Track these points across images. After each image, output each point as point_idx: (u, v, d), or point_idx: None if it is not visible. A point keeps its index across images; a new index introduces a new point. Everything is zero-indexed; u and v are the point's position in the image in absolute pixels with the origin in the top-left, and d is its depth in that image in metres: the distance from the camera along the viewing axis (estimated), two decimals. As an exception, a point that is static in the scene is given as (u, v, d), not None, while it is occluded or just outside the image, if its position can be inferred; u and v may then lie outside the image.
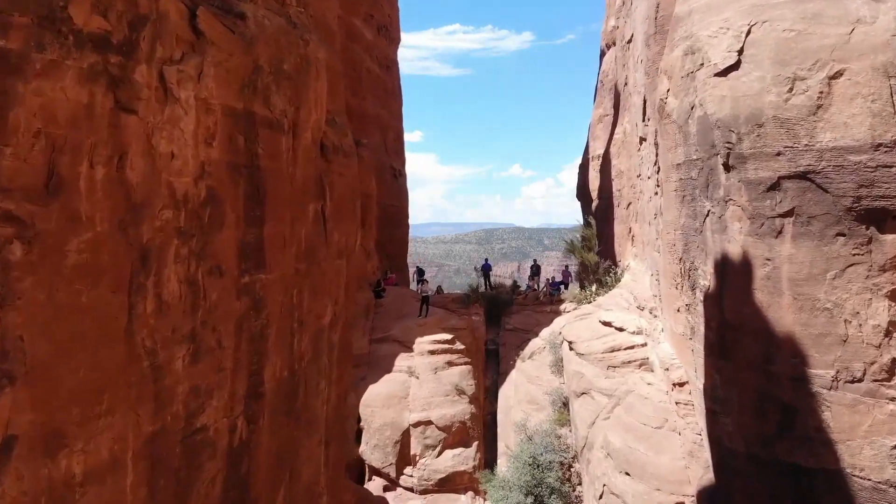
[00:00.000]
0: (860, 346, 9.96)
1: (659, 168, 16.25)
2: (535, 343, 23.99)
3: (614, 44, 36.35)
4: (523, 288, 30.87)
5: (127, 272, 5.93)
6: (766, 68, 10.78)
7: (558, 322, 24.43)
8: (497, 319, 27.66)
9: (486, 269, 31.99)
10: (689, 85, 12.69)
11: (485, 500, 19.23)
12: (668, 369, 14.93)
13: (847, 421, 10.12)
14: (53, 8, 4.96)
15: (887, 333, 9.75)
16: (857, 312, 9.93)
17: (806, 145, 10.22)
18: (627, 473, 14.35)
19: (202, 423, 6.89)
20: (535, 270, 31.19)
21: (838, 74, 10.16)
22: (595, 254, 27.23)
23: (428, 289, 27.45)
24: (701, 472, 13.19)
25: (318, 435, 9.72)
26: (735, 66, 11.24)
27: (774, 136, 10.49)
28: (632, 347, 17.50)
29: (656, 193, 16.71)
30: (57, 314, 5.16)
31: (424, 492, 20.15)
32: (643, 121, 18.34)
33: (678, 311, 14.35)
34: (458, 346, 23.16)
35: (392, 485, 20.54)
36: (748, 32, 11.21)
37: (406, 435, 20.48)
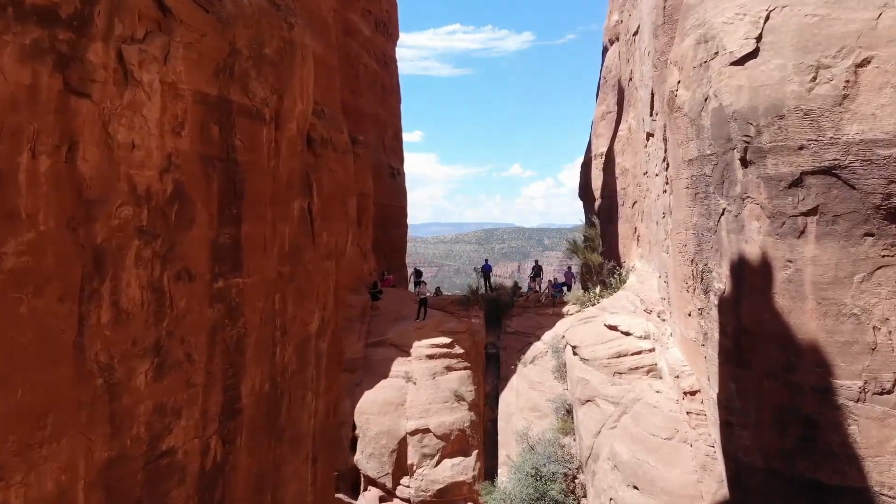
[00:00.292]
0: (890, 355, 9.30)
1: (668, 165, 15.59)
2: (536, 347, 23.32)
3: (618, 39, 35.72)
4: (524, 289, 30.17)
5: (77, 277, 5.25)
6: (788, 56, 10.11)
7: (561, 325, 23.76)
8: (497, 322, 27.00)
9: (486, 271, 31.30)
10: (702, 75, 12.02)
11: (485, 512, 18.59)
12: (678, 377, 14.26)
13: (875, 436, 9.45)
14: (-13, -26, 4.29)
15: (921, 341, 9.09)
16: (887, 318, 9.26)
17: (831, 138, 9.55)
18: (636, 487, 13.68)
19: (169, 445, 6.21)
20: (537, 271, 30.49)
21: (865, 62, 9.49)
22: (599, 254, 26.53)
23: (426, 291, 26.76)
24: (714, 486, 12.52)
25: (305, 451, 9.04)
26: (753, 55, 10.57)
27: (797, 129, 9.83)
28: (639, 353, 16.84)
29: (665, 191, 16.04)
30: (-11, 327, 4.47)
31: (422, 503, 19.47)
32: (651, 115, 17.67)
33: (689, 315, 13.68)
34: (458, 350, 22.49)
35: (388, 495, 19.88)
36: (767, 18, 10.53)
37: (403, 443, 19.82)
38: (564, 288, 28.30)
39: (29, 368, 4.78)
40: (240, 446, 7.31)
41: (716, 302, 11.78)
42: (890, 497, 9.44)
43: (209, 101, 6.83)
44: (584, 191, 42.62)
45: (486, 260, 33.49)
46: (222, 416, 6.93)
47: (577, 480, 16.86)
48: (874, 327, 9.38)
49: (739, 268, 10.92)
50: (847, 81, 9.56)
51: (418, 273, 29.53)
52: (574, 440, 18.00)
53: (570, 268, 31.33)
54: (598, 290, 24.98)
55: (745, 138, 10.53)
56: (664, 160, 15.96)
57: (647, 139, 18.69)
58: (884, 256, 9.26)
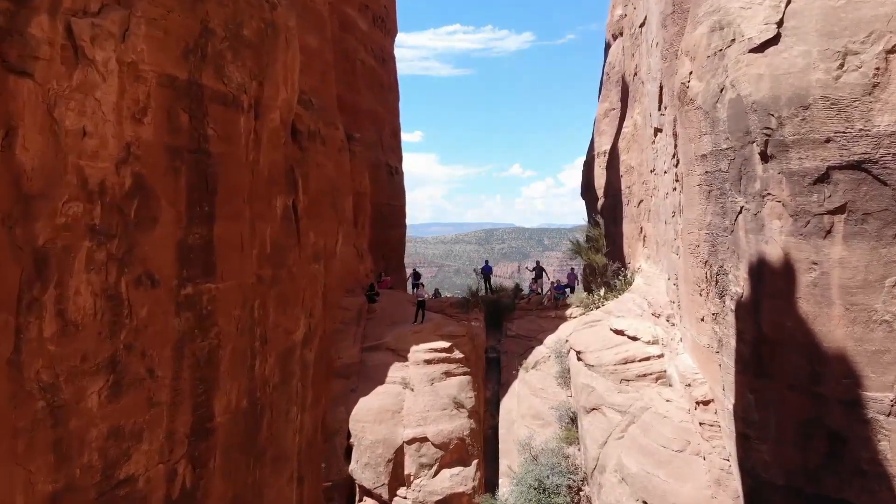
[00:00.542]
0: (925, 366, 8.63)
1: (678, 161, 14.91)
2: (539, 351, 22.65)
3: (621, 34, 35.09)
4: (526, 291, 29.48)
5: (14, 284, 4.58)
6: (812, 42, 9.44)
7: (564, 329, 23.11)
8: (498, 325, 26.34)
9: (486, 272, 30.60)
10: (717, 65, 11.35)
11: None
12: (689, 385, 13.59)
13: (909, 452, 8.78)
14: None
15: (960, 351, 8.43)
16: (923, 326, 8.59)
17: (860, 130, 8.88)
18: (645, 502, 13.00)
19: (128, 473, 5.53)
20: (539, 273, 29.79)
21: (897, 48, 8.83)
22: (603, 255, 25.86)
23: (424, 293, 26.06)
24: (730, 503, 11.86)
25: (289, 471, 8.36)
26: (774, 41, 9.91)
27: (823, 120, 9.16)
28: (647, 359, 16.17)
29: (675, 189, 15.37)
30: None
31: (420, 514, 18.81)
32: (659, 110, 17.01)
33: (702, 320, 13.01)
34: (457, 354, 21.81)
35: (384, 506, 19.20)
36: (788, 2, 9.87)
37: (399, 453, 19.15)
38: (567, 290, 27.61)
39: (-50, 391, 4.13)
40: (213, 470, 6.64)
41: (732, 307, 11.11)
42: (925, 519, 8.79)
43: (177, 85, 6.16)
44: (587, 190, 41.96)
45: (487, 261, 32.79)
46: (192, 437, 6.26)
47: (581, 493, 16.19)
48: (908, 335, 8.71)
49: (759, 270, 10.25)
50: (877, 69, 8.89)
51: (416, 275, 28.85)
52: (579, 450, 17.33)
53: (573, 269, 30.67)
54: (602, 292, 24.32)
55: (765, 131, 9.87)
56: (674, 156, 15.29)
57: (655, 135, 18.03)
58: (919, 258, 8.60)
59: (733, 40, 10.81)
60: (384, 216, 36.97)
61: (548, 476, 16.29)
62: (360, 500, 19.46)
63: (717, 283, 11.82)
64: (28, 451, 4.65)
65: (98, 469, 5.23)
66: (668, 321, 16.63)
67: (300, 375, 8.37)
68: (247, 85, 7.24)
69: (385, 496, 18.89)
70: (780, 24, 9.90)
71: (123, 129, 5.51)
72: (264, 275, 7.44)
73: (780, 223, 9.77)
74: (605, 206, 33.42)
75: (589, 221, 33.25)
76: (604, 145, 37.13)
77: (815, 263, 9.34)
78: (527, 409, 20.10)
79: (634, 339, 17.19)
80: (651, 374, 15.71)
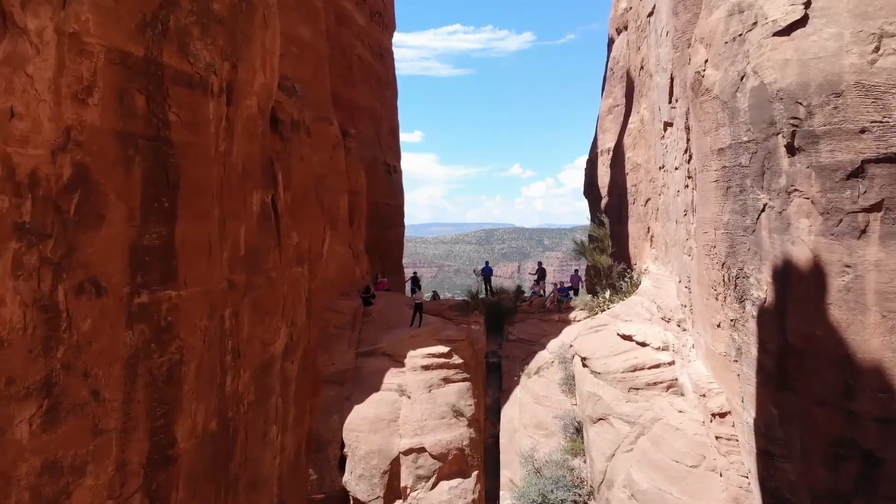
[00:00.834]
0: (973, 380, 7.89)
1: (690, 156, 14.17)
2: (542, 356, 21.89)
3: (625, 28, 34.37)
4: (528, 294, 28.71)
5: (-85, 294, 3.86)
6: (844, 23, 8.70)
7: (568, 333, 22.35)
8: (499, 329, 25.57)
9: (486, 273, 29.81)
10: (736, 51, 10.61)
11: (486, 539, 17.18)
12: (704, 395, 12.83)
13: (953, 476, 8.04)
14: None
15: None
16: (970, 336, 7.85)
17: (900, 119, 8.13)
18: (657, 522, 12.26)
19: (68, 513, 4.80)
20: (541, 274, 29.02)
21: (940, 29, 8.08)
22: (608, 256, 25.10)
23: (421, 295, 25.25)
24: (750, 524, 11.12)
25: (268, 498, 7.59)
26: (801, 23, 9.16)
27: (857, 109, 8.41)
28: (657, 366, 15.41)
29: (687, 186, 14.62)
30: None
31: (416, 529, 18.06)
32: (669, 103, 16.26)
33: (718, 326, 12.26)
34: (456, 359, 21.04)
35: (380, 520, 18.44)
36: (817, -20, 9.12)
37: (395, 464, 18.39)
38: (571, 292, 26.85)
39: None
40: (176, 503, 5.89)
41: (754, 313, 10.36)
42: (970, 549, 8.04)
43: (131, 62, 5.40)
44: (590, 189, 41.20)
45: (487, 262, 32.00)
46: (149, 467, 5.50)
47: (588, 508, 15.44)
48: (953, 346, 7.97)
49: (784, 274, 9.50)
50: (918, 52, 8.15)
51: (415, 280, 27.95)
52: (584, 462, 16.58)
53: (576, 270, 29.92)
54: (607, 294, 23.57)
55: (792, 121, 9.11)
56: (686, 151, 14.55)
57: (665, 129, 17.28)
58: (965, 261, 7.86)
59: (755, 24, 10.07)
60: (381, 216, 36.21)
61: (552, 490, 15.54)
62: (355, 513, 18.70)
63: (735, 287, 11.07)
64: (-66, 495, 3.91)
65: (29, 511, 4.49)
66: (678, 326, 15.88)
67: (280, 391, 7.61)
68: (217, 66, 6.48)
69: (380, 510, 18.12)
70: (807, 4, 9.16)
71: (62, 111, 4.76)
72: (237, 280, 6.69)
73: (808, 222, 9.02)
74: (609, 206, 32.66)
75: (592, 221, 32.48)
76: (608, 142, 36.40)
77: (848, 266, 8.58)
78: (529, 417, 19.35)
79: (643, 344, 16.44)
80: (661, 382, 14.96)
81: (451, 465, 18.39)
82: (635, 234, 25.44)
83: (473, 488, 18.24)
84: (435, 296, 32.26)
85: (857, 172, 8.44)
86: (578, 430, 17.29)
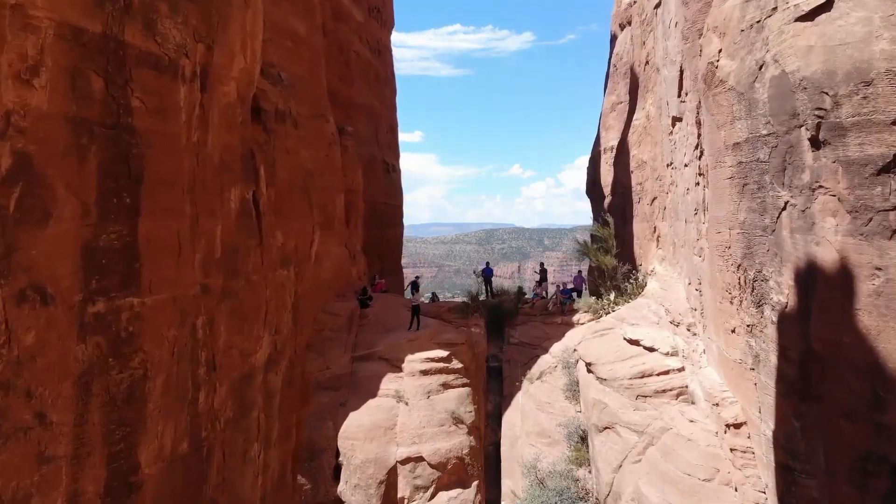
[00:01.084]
0: None
1: (702, 152, 13.59)
2: (544, 361, 21.32)
3: (629, 23, 33.86)
4: (530, 295, 28.11)
5: None
6: (873, 6, 8.11)
7: (571, 336, 21.78)
8: (500, 331, 25.02)
9: (486, 274, 29.20)
10: (753, 38, 10.03)
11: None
12: (717, 405, 12.25)
13: None
14: None
15: None
16: None
17: (937, 109, 7.55)
18: (668, 538, 11.67)
19: (7, 554, 4.21)
20: (543, 275, 28.41)
21: (980, 11, 7.51)
22: (613, 256, 24.51)
23: (419, 297, 24.62)
24: (768, 543, 10.53)
25: (249, 522, 7.03)
26: (826, 6, 8.58)
27: (889, 98, 7.82)
28: (666, 372, 14.83)
29: (697, 184, 14.04)
30: None
31: (414, 541, 17.48)
32: (679, 96, 15.68)
33: (732, 331, 11.68)
34: (455, 364, 20.46)
35: (376, 531, 17.84)
36: (842, -39, 8.54)
37: (392, 473, 17.82)
38: (574, 294, 26.26)
39: None
40: (140, 535, 5.30)
41: (773, 318, 9.77)
42: None
43: (86, 39, 4.81)
44: (592, 188, 40.62)
45: (487, 263, 31.39)
46: (107, 497, 4.91)
47: (593, 521, 14.85)
48: None
49: (808, 276, 8.91)
50: (956, 37, 7.57)
51: (415, 284, 27.31)
52: (590, 472, 16.00)
53: (580, 271, 29.34)
54: (612, 296, 22.98)
55: (817, 112, 8.53)
56: (697, 147, 13.97)
57: (673, 125, 16.70)
58: None
59: (774, 9, 9.49)
60: (380, 215, 35.64)
61: (556, 503, 14.94)
62: (350, 524, 18.10)
63: (753, 291, 10.49)
64: None
65: (-43, 555, 3.90)
66: (688, 330, 15.29)
67: (263, 405, 7.02)
68: (189, 47, 5.90)
69: (376, 521, 17.53)
70: (833, -14, 8.58)
71: (1, 93, 4.18)
72: (212, 284, 6.10)
73: (834, 221, 8.44)
74: (613, 205, 32.12)
75: (596, 220, 31.89)
76: (611, 140, 35.86)
77: (878, 269, 8.00)
78: (532, 425, 18.76)
79: (651, 349, 15.85)
80: (671, 389, 14.37)
81: (450, 475, 17.81)
82: (640, 234, 24.87)
83: (473, 499, 17.66)
84: (434, 297, 31.60)
85: (890, 167, 7.85)
86: (583, 439, 16.71)
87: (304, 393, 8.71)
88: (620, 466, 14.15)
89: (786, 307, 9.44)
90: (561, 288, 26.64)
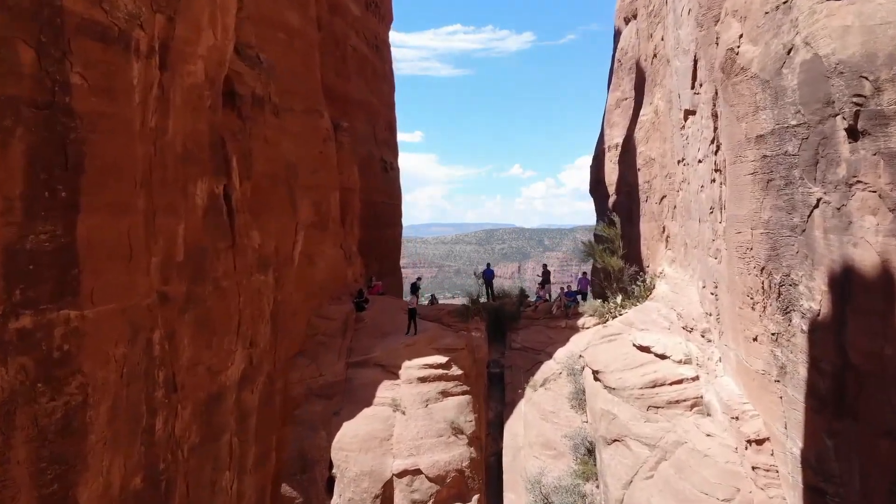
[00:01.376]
0: None
1: (719, 147, 12.84)
2: (548, 367, 20.54)
3: (634, 16, 33.14)
4: (532, 298, 27.33)
5: None
6: (920, -20, 7.38)
7: (576, 341, 21.01)
8: (501, 336, 24.24)
9: (487, 276, 28.39)
10: (780, 21, 9.29)
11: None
12: (736, 418, 11.50)
13: None
14: None
15: None
16: None
17: None
18: (684, 563, 10.93)
19: None
20: (546, 277, 27.61)
21: None
22: (619, 258, 23.75)
23: (415, 300, 23.78)
24: (795, 571, 9.78)
25: (220, 560, 6.28)
26: (865, -18, 7.84)
27: (939, 82, 7.09)
28: (679, 382, 14.07)
29: (713, 181, 13.30)
30: None
31: (411, 558, 16.70)
32: (692, 88, 14.93)
33: (754, 339, 10.93)
34: (455, 371, 19.66)
35: (371, 548, 17.08)
36: (882, -68, 7.80)
37: (388, 487, 17.04)
38: (579, 297, 25.48)
39: None
40: (81, 589, 4.55)
41: (804, 326, 9.02)
42: None
43: (13, 3, 4.08)
44: (596, 187, 39.89)
45: (488, 264, 30.58)
46: (37, 548, 4.17)
47: (602, 540, 14.08)
48: None
49: (844, 281, 8.16)
50: None
51: (415, 287, 26.53)
52: (597, 487, 15.24)
53: (584, 273, 28.57)
54: (619, 299, 22.21)
55: (855, 99, 7.78)
56: (713, 141, 13.21)
57: (686, 118, 15.94)
58: None
59: (805, -13, 8.75)
60: (377, 214, 34.89)
61: (561, 520, 14.21)
62: (344, 540, 17.33)
63: (779, 296, 9.74)
64: None
65: None
66: (702, 337, 14.54)
67: (236, 428, 6.28)
68: (144, 18, 5.15)
69: (371, 537, 16.76)
70: (871, -40, 7.84)
71: None
72: (173, 292, 5.35)
73: (875, 220, 7.69)
74: (618, 204, 31.40)
75: (600, 220, 31.13)
76: (616, 138, 35.15)
77: (926, 273, 7.26)
78: (535, 435, 18.01)
79: (663, 357, 15.10)
80: (685, 400, 13.61)
81: (449, 489, 17.03)
82: (648, 235, 24.13)
83: (474, 514, 16.88)
84: (433, 300, 30.77)
85: (939, 159, 7.12)
86: (590, 452, 15.95)
87: (286, 411, 7.89)
88: (631, 482, 13.39)
89: (818, 315, 8.68)
90: (565, 290, 25.85)
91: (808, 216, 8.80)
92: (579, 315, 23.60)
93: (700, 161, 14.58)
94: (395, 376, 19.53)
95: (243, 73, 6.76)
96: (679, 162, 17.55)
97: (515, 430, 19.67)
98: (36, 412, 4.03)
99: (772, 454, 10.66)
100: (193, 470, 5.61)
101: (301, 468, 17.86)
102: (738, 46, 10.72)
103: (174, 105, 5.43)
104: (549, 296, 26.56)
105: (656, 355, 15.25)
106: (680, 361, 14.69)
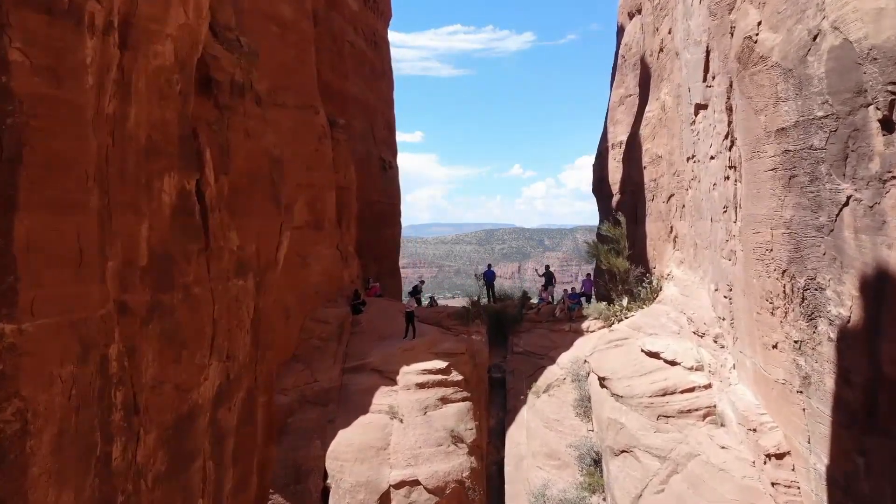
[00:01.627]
0: None
1: (733, 142, 12.26)
2: (552, 372, 19.98)
3: (639, 11, 32.59)
4: (534, 300, 26.75)
5: None
6: (963, -43, 6.80)
7: (581, 345, 20.45)
8: (503, 339, 23.71)
9: (488, 277, 27.83)
10: (805, 4, 8.71)
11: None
12: (754, 430, 10.92)
13: None
14: None
15: None
16: None
17: None
18: (699, 585, 10.34)
19: None
20: (549, 279, 27.02)
21: None
22: (625, 259, 23.17)
23: (412, 303, 23.19)
24: None
25: None
26: (901, -40, 7.26)
27: None
28: (691, 390, 13.49)
29: (728, 178, 12.71)
30: None
31: (409, 573, 16.14)
32: (704, 81, 14.35)
33: (773, 347, 10.35)
34: (455, 376, 19.10)
35: (367, 562, 16.51)
36: None
37: (385, 498, 16.47)
38: (583, 299, 24.91)
39: None
40: None
41: (831, 334, 8.43)
42: None
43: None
44: (599, 186, 39.30)
45: (490, 265, 30.00)
46: None
47: (609, 557, 13.50)
48: None
49: (877, 286, 7.57)
50: None
51: (416, 290, 25.94)
52: (604, 500, 14.65)
53: (589, 274, 27.99)
54: (625, 302, 21.64)
55: (890, 87, 7.19)
56: (727, 136, 12.63)
57: (696, 113, 15.36)
58: None
59: (832, -33, 8.17)
60: (375, 214, 34.32)
61: (567, 535, 13.63)
62: (339, 554, 16.75)
63: (803, 301, 9.15)
64: None
65: None
66: (715, 342, 13.96)
67: (211, 451, 5.68)
68: (100, -12, 4.57)
69: (368, 551, 16.19)
70: (908, -64, 7.26)
71: None
72: (134, 301, 4.76)
73: (913, 219, 7.11)
74: (622, 203, 30.81)
75: (604, 220, 30.55)
76: (619, 135, 34.59)
77: (971, 277, 6.68)
78: (539, 445, 17.42)
79: (673, 363, 14.52)
80: (697, 409, 13.03)
81: (448, 500, 16.44)
82: (654, 235, 23.55)
83: (475, 527, 16.31)
84: (432, 301, 30.19)
85: None
86: (597, 462, 15.36)
87: (271, 429, 7.30)
88: (640, 496, 12.80)
89: (848, 322, 8.09)
90: (569, 292, 25.27)
91: (837, 215, 8.21)
92: (583, 318, 23.05)
93: (712, 157, 14.00)
94: (393, 382, 18.98)
95: (221, 58, 6.18)
96: (689, 159, 16.96)
97: (518, 438, 19.10)
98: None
99: (793, 469, 10.08)
100: (159, 501, 5.01)
101: (294, 478, 17.30)
102: (757, 34, 10.14)
103: (137, 90, 4.84)
104: (553, 298, 26.00)
105: (666, 361, 14.66)
106: (691, 368, 14.10)
